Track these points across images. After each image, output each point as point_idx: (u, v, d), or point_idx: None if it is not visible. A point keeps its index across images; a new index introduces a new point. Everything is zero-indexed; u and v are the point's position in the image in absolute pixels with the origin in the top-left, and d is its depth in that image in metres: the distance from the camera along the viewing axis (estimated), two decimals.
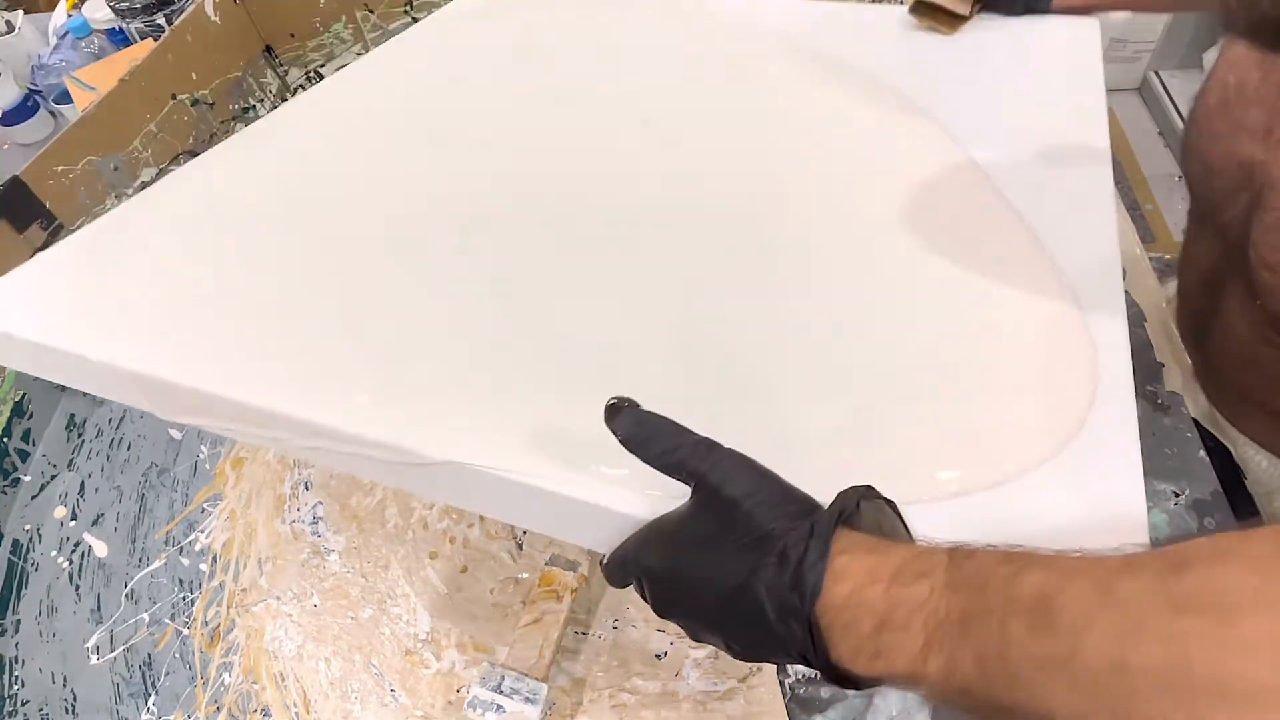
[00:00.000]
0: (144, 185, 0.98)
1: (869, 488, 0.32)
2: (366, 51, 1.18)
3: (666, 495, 0.36)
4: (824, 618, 0.29)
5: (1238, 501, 0.66)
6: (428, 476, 0.45)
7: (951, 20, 0.71)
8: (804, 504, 0.32)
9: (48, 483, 0.82)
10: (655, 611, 0.34)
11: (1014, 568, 0.27)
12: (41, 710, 0.68)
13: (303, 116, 0.74)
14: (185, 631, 0.70)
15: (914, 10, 0.72)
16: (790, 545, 0.30)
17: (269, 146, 0.71)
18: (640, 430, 0.35)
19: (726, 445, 0.34)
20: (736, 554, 0.31)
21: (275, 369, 0.50)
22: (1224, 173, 0.56)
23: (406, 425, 0.46)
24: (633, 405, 0.36)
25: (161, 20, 1.09)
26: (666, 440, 0.34)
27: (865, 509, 0.32)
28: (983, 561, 0.28)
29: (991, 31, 0.71)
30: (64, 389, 0.89)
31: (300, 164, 0.69)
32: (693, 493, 0.34)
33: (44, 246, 0.87)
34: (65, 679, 0.69)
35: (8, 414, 0.83)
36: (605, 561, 0.38)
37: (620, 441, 0.35)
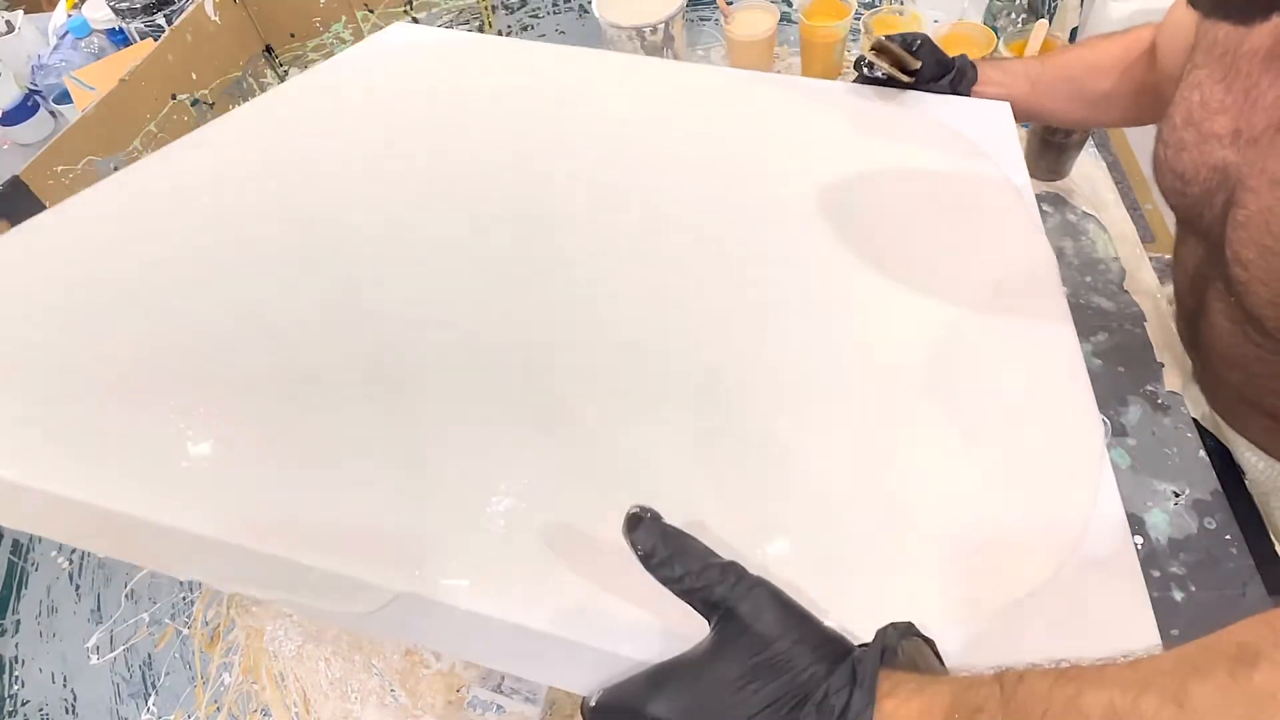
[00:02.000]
0: None
1: (909, 624, 0.30)
2: None
3: (666, 634, 0.33)
4: None
5: (1238, 501, 0.66)
6: (378, 619, 0.40)
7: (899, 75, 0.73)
8: (840, 644, 0.30)
9: None
10: None
11: (1072, 689, 0.25)
12: (41, 710, 0.68)
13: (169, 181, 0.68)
14: (185, 631, 0.70)
15: (874, 50, 0.73)
16: (832, 692, 0.28)
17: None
18: (663, 547, 0.31)
19: (755, 575, 0.31)
20: (771, 701, 0.28)
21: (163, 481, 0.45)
22: (1197, 179, 0.59)
23: (345, 555, 0.41)
24: (655, 517, 0.32)
25: (161, 20, 1.09)
26: (691, 561, 0.31)
27: (904, 647, 0.30)
28: (1035, 686, 0.27)
29: (924, 105, 0.74)
30: None
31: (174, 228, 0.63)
32: (716, 625, 0.30)
33: None
34: (65, 679, 0.69)
35: None
36: (595, 706, 0.32)
37: (639, 558, 0.32)
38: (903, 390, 0.50)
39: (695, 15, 1.11)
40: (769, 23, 0.95)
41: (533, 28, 1.14)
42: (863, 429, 0.48)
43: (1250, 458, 0.69)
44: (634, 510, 0.32)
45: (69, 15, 1.19)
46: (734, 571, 0.30)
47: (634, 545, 0.32)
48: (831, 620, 0.32)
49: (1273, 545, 0.67)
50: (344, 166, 0.70)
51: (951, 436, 0.47)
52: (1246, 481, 0.70)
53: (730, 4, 0.96)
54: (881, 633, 0.29)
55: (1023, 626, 0.37)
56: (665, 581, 0.31)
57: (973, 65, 0.75)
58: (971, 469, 0.46)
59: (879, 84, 0.75)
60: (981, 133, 0.69)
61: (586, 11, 1.11)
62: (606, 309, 0.56)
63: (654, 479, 0.45)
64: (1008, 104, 0.72)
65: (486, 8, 1.14)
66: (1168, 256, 0.80)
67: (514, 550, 0.40)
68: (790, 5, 1.06)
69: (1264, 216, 0.52)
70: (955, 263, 0.58)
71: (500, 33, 1.16)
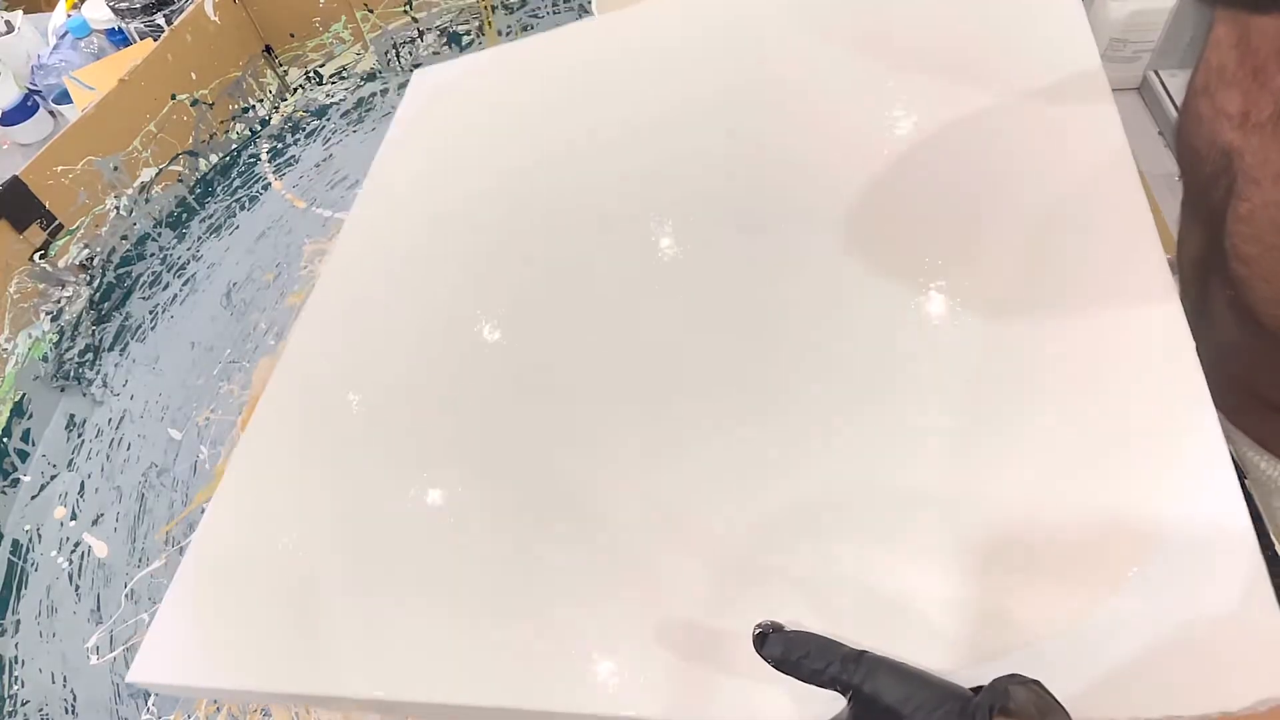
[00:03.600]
0: (144, 185, 0.98)
1: (1014, 675, 0.33)
2: (366, 51, 1.18)
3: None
4: None
5: None
6: None
7: None
8: (959, 698, 0.33)
9: (48, 483, 0.82)
10: None
11: None
12: (41, 710, 0.68)
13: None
14: None
15: None
16: None
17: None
18: (792, 652, 0.36)
19: (874, 653, 0.35)
20: None
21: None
22: (1208, 158, 0.55)
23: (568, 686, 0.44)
24: (777, 628, 0.37)
25: (161, 20, 1.09)
26: (818, 658, 0.35)
27: (1015, 693, 0.32)
28: None
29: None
30: (64, 389, 0.89)
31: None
32: (849, 703, 0.35)
33: (44, 246, 0.87)
34: (65, 679, 0.69)
35: (8, 414, 0.83)
36: None
37: (774, 666, 0.36)
38: (987, 390, 0.48)
39: None
40: None
41: (533, 27, 1.14)
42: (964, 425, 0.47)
43: (1251, 456, 0.69)
44: (758, 630, 0.38)
45: (69, 15, 1.19)
46: (854, 658, 0.35)
47: (766, 658, 0.37)
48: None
49: (1273, 545, 0.66)
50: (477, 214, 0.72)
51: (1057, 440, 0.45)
52: (1246, 481, 0.70)
53: None
54: (990, 686, 0.32)
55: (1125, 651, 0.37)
56: (800, 678, 0.36)
57: None
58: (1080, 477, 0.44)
59: None
60: (1043, 26, 0.64)
61: (587, 11, 1.11)
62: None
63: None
64: None
65: (486, 7, 1.14)
66: (1169, 256, 0.80)
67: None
68: None
69: (1269, 212, 0.50)
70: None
71: (500, 33, 1.16)
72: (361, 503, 0.57)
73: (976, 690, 0.33)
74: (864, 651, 0.35)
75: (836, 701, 0.35)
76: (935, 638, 0.39)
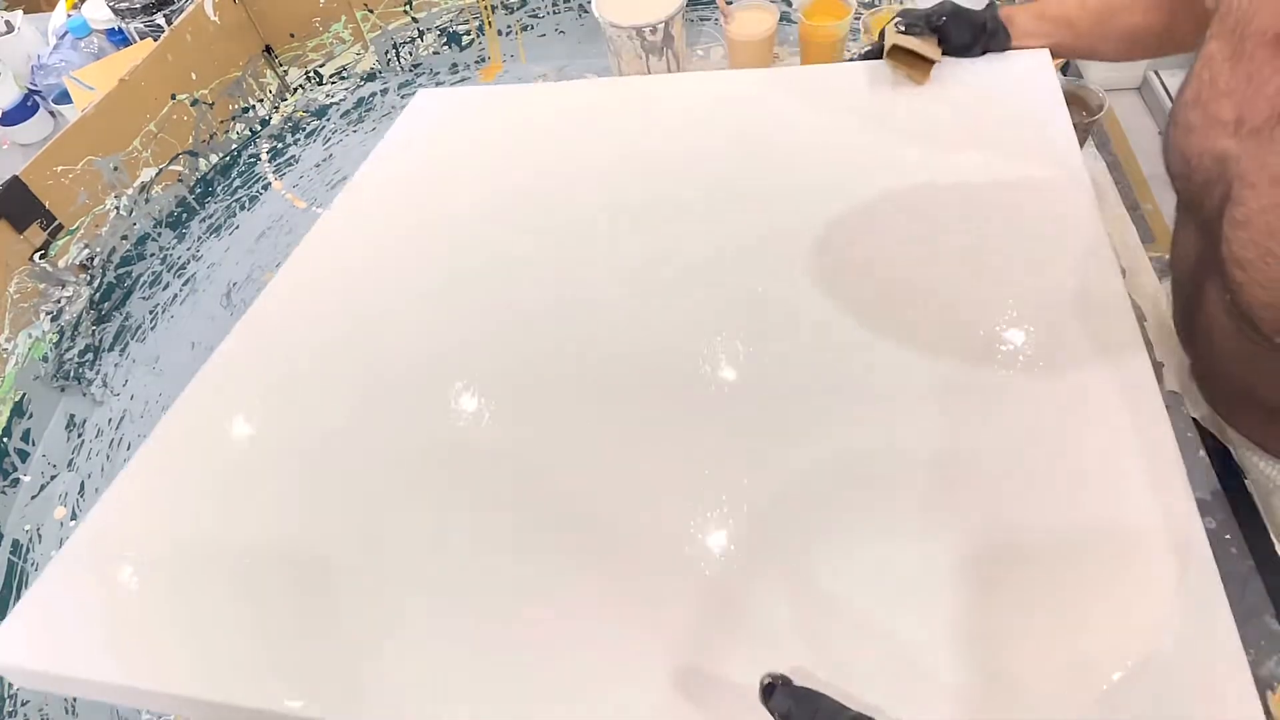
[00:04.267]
0: (144, 185, 0.98)
1: None
2: (366, 51, 1.18)
3: None
4: None
5: (1238, 501, 0.66)
6: None
7: (923, 66, 0.75)
8: None
9: (48, 483, 0.82)
10: None
11: None
12: (41, 710, 0.68)
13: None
14: None
15: (890, 55, 0.74)
16: None
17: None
18: (798, 709, 0.36)
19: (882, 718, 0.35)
20: None
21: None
22: (1200, 167, 0.56)
23: None
24: (786, 682, 0.37)
25: (161, 20, 1.09)
26: (824, 716, 0.35)
27: None
28: None
29: (957, 72, 0.75)
30: (64, 389, 0.89)
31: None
32: None
33: (44, 246, 0.87)
34: None
35: (8, 414, 0.83)
36: None
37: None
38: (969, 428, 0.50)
39: (695, 15, 1.11)
40: (769, 22, 0.95)
41: (532, 27, 1.14)
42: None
43: (1250, 457, 0.69)
44: (766, 681, 0.37)
45: (69, 15, 1.19)
46: (862, 718, 0.34)
47: (772, 711, 0.36)
48: None
49: (1273, 545, 0.66)
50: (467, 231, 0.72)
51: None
52: (1246, 481, 0.70)
53: (730, 4, 0.96)
54: None
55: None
56: None
57: (1004, 27, 0.75)
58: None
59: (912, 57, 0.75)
60: (1019, 88, 0.70)
61: (586, 11, 1.11)
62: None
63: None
64: (1046, 52, 0.72)
65: (486, 7, 1.14)
66: (1167, 256, 0.80)
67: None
68: (790, 5, 1.06)
69: (1265, 217, 0.50)
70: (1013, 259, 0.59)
71: (500, 33, 1.16)
72: (274, 503, 0.55)
73: None
74: (870, 717, 0.34)
75: None
76: (923, 682, 0.40)
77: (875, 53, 0.78)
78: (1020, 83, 0.71)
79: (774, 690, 0.37)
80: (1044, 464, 0.47)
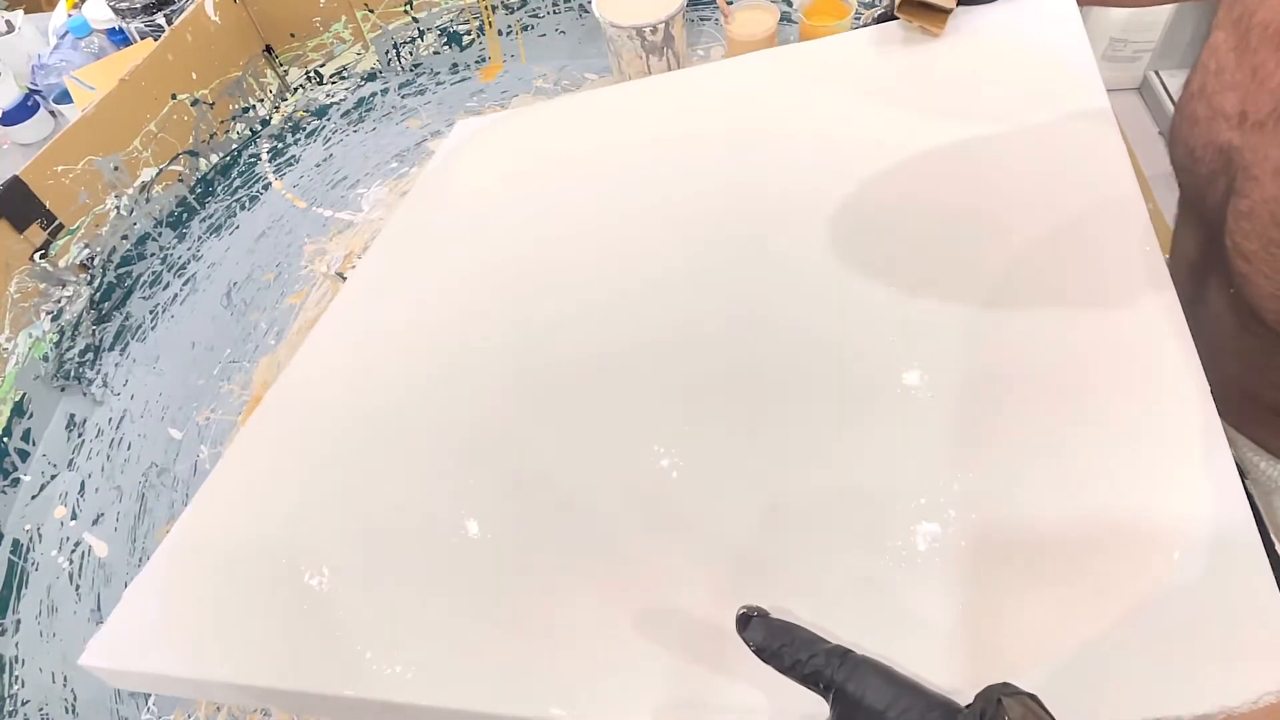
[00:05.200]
0: (144, 185, 0.98)
1: (1005, 684, 0.32)
2: (366, 51, 1.18)
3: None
4: None
5: None
6: None
7: (937, 16, 0.71)
8: (946, 708, 0.32)
9: (48, 483, 0.82)
10: None
11: None
12: (41, 710, 0.68)
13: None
14: None
15: (901, 9, 0.72)
16: None
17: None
18: (773, 640, 0.35)
19: (859, 653, 0.34)
20: None
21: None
22: (1204, 159, 0.56)
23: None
24: (763, 614, 0.36)
25: (161, 20, 1.09)
26: (800, 650, 0.34)
27: (1009, 706, 0.31)
28: None
29: (974, 21, 0.71)
30: (64, 389, 0.89)
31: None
32: (831, 705, 0.33)
33: (44, 246, 0.87)
34: (65, 679, 0.69)
35: (8, 414, 0.83)
36: None
37: (754, 652, 0.35)
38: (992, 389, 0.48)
39: (695, 15, 1.11)
40: (769, 22, 0.95)
41: (532, 27, 1.14)
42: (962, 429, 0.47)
43: (1251, 456, 0.69)
44: (742, 611, 0.36)
45: (69, 15, 1.19)
46: (839, 654, 0.33)
47: (747, 642, 0.35)
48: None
49: (1273, 545, 0.66)
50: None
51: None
52: (1246, 481, 0.70)
53: (730, 3, 0.96)
54: (981, 695, 0.31)
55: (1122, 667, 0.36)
56: (780, 670, 0.34)
57: None
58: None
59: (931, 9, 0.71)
60: (1041, 36, 0.66)
61: (587, 11, 1.11)
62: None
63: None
64: None
65: (486, 7, 1.14)
66: (1168, 256, 0.80)
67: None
68: (790, 5, 1.06)
69: (1269, 208, 0.50)
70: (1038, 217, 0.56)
71: (501, 33, 1.15)
72: (353, 504, 0.56)
73: (967, 707, 0.31)
74: (849, 650, 0.34)
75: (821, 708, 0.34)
76: (931, 644, 0.38)
77: (889, 14, 0.74)
78: (1042, 30, 0.67)
79: (750, 621, 0.36)
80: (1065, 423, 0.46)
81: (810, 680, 0.34)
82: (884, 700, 0.31)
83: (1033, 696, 0.32)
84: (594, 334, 0.61)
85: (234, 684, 0.49)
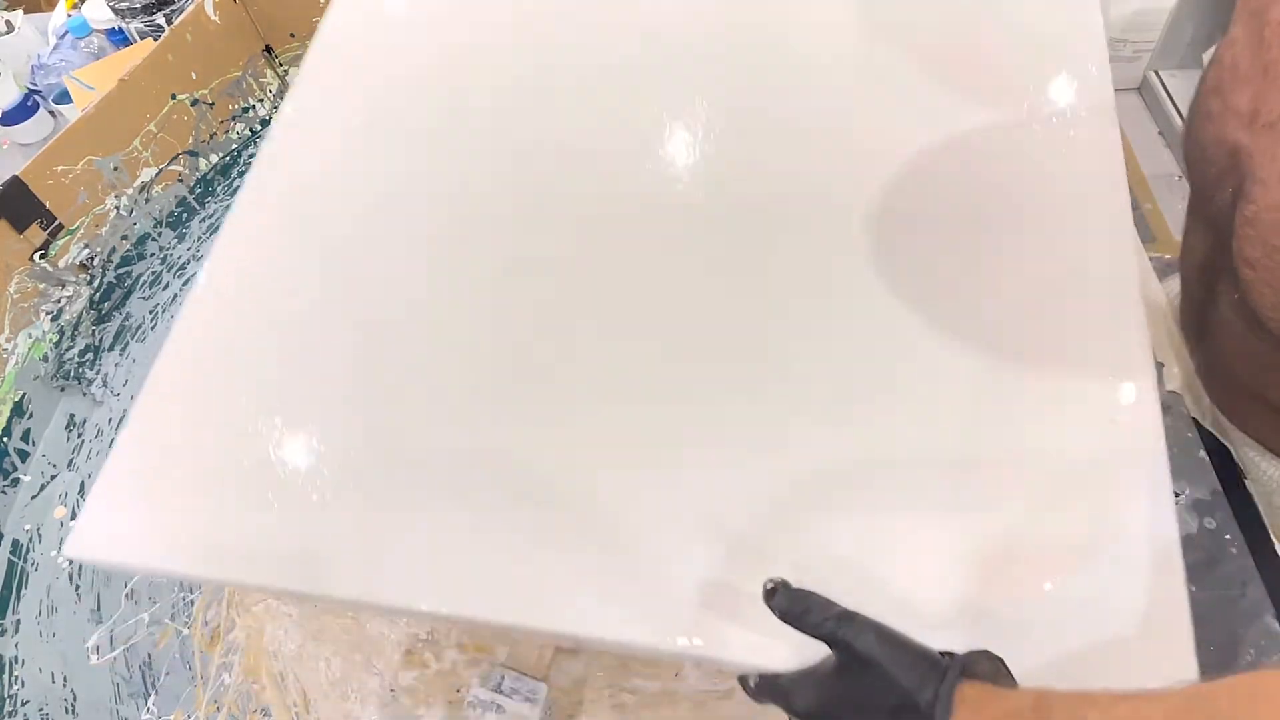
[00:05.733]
0: (144, 185, 0.98)
1: (986, 651, 0.40)
2: None
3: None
4: None
5: (1238, 501, 0.66)
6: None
7: None
8: (932, 662, 0.39)
9: (48, 483, 0.82)
10: None
11: None
12: (41, 710, 0.68)
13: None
14: (185, 631, 0.70)
15: None
16: (923, 701, 0.38)
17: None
18: (795, 606, 0.42)
19: (864, 616, 0.41)
20: (879, 707, 0.39)
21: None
22: (1215, 158, 0.55)
23: (554, 610, 0.47)
24: (785, 585, 0.43)
25: (161, 20, 1.09)
26: (817, 614, 0.41)
27: (979, 659, 0.39)
28: (1056, 713, 0.35)
29: None
30: (64, 389, 0.89)
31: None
32: (837, 654, 0.41)
33: (44, 246, 0.87)
34: (65, 679, 0.69)
35: (8, 414, 0.83)
36: (755, 686, 0.46)
37: (779, 617, 0.42)
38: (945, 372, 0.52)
39: None
40: None
41: None
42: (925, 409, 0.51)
43: (1252, 455, 0.69)
44: (769, 585, 0.43)
45: (69, 15, 1.19)
46: (847, 617, 0.41)
47: (773, 609, 0.42)
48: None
49: (1273, 545, 0.66)
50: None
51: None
52: (1247, 481, 0.70)
53: None
54: (962, 657, 0.39)
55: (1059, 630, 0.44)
56: (800, 629, 0.42)
57: None
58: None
59: None
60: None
61: None
62: None
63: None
64: None
65: None
66: (1168, 256, 0.80)
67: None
68: None
69: (1272, 215, 0.50)
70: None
71: None
72: (321, 386, 0.56)
73: (944, 654, 0.40)
74: (856, 613, 0.41)
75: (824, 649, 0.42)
76: (911, 601, 0.46)
77: None
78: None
79: (775, 593, 0.43)
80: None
81: (823, 638, 0.41)
82: (881, 653, 0.39)
83: (999, 659, 0.40)
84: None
85: (204, 578, 0.53)
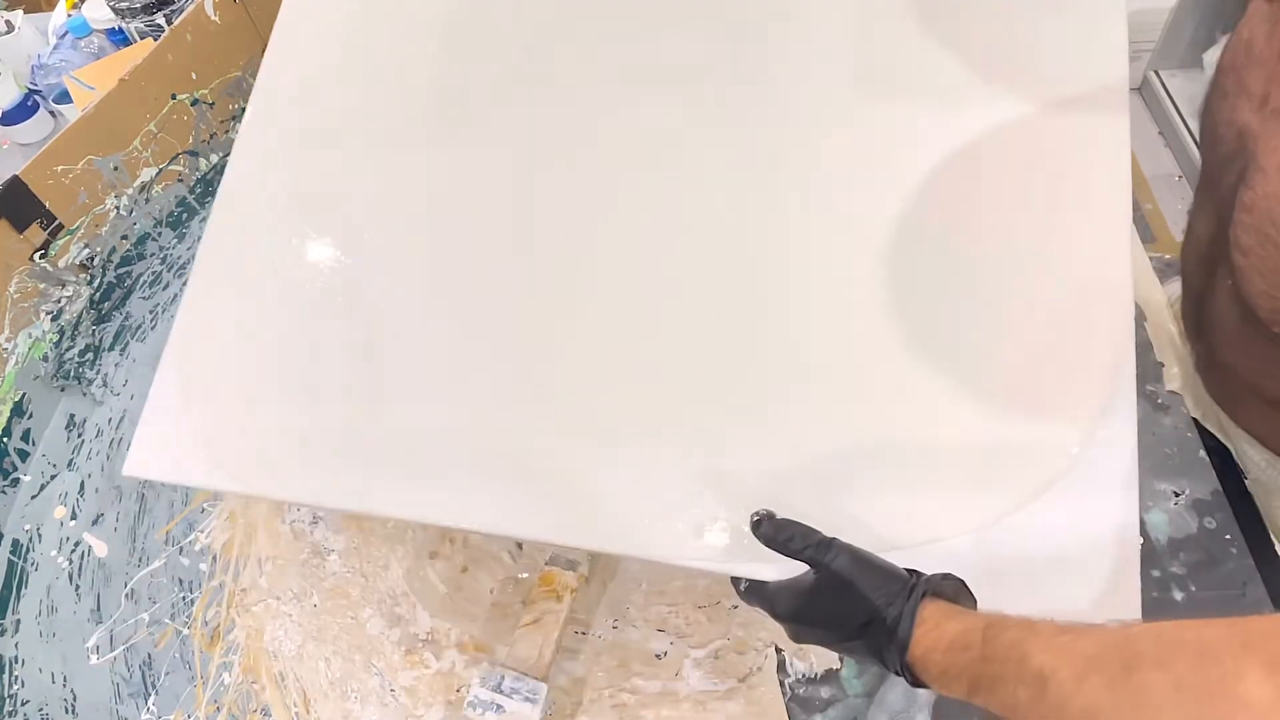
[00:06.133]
0: (144, 185, 0.98)
1: (949, 574, 0.45)
2: None
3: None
4: (911, 660, 0.42)
5: (1238, 501, 0.66)
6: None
7: None
8: (900, 581, 0.44)
9: (48, 483, 0.82)
10: (789, 636, 0.50)
11: (1023, 650, 0.37)
12: (41, 710, 0.68)
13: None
14: (185, 631, 0.70)
15: None
16: (889, 615, 0.42)
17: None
18: (780, 534, 0.47)
19: (841, 540, 0.46)
20: (849, 618, 0.44)
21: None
22: (1225, 138, 0.55)
23: (572, 525, 0.54)
24: (770, 515, 0.48)
25: (161, 20, 1.09)
26: (799, 541, 0.46)
27: (943, 581, 0.44)
28: (1005, 637, 0.38)
29: None
30: (64, 389, 0.89)
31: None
32: (816, 572, 0.46)
33: (44, 246, 0.87)
34: (65, 679, 0.69)
35: (8, 414, 0.83)
36: (744, 590, 0.51)
37: (764, 544, 0.48)
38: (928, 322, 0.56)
39: None
40: None
41: None
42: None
43: (1251, 453, 0.69)
44: (756, 517, 0.48)
45: (69, 15, 1.19)
46: (826, 543, 0.46)
47: (759, 538, 0.48)
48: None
49: (1273, 545, 0.66)
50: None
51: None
52: (1247, 481, 0.70)
53: None
54: (926, 578, 0.44)
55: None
56: (783, 554, 0.47)
57: None
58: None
59: None
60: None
61: None
62: None
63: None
64: None
65: None
66: (1168, 256, 0.80)
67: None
68: None
69: (1269, 203, 0.49)
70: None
71: None
72: (352, 301, 0.61)
73: (911, 572, 0.44)
74: (834, 539, 0.46)
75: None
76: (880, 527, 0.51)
77: None
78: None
79: (760, 523, 0.48)
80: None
81: (805, 560, 0.46)
82: (856, 574, 0.44)
83: (961, 580, 0.45)
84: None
85: (261, 496, 0.60)
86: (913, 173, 0.60)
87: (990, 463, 0.53)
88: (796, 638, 0.49)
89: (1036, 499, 0.51)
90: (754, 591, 0.50)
